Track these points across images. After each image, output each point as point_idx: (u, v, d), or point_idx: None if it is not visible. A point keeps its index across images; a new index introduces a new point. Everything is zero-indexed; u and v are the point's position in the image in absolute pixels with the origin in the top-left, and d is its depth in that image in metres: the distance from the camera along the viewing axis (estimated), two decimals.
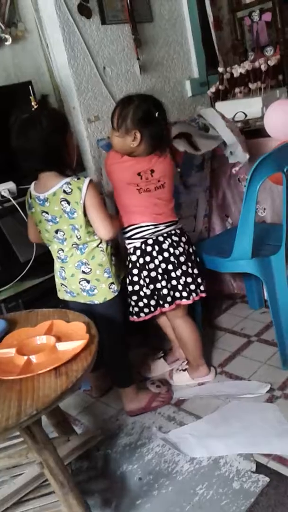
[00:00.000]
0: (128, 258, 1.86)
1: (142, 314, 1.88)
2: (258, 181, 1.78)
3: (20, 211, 1.85)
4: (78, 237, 1.68)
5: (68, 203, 1.63)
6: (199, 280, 1.91)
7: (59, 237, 1.71)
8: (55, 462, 1.27)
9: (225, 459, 1.61)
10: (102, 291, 1.75)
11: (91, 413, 2.00)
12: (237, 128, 2.25)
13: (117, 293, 1.78)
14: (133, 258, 1.85)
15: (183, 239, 1.89)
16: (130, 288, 1.86)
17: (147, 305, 1.87)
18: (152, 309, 1.87)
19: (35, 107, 1.62)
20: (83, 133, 2.41)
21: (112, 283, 1.76)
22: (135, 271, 1.85)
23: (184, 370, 2.05)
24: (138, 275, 1.85)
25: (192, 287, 1.88)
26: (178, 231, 1.87)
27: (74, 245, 1.71)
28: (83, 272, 1.73)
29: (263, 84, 2.64)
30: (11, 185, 1.93)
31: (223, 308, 2.58)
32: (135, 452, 1.73)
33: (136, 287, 1.85)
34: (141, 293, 1.85)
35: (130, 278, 1.86)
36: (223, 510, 1.43)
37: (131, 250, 1.85)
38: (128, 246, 1.86)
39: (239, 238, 1.89)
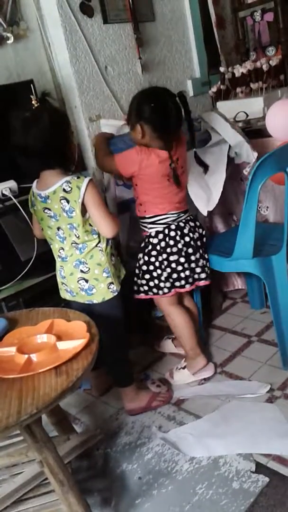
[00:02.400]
0: (147, 240, 1.94)
1: (150, 293, 1.97)
2: (260, 181, 1.78)
3: (21, 210, 1.85)
4: (77, 235, 1.68)
5: (68, 201, 1.63)
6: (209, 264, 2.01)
7: (60, 235, 1.71)
8: (55, 461, 1.27)
9: (224, 459, 1.61)
10: (101, 291, 1.75)
11: (91, 412, 2.00)
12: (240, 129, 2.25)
13: (116, 293, 1.78)
14: (154, 241, 1.92)
15: (198, 223, 2.00)
16: (144, 267, 1.95)
17: (157, 286, 1.95)
18: (166, 290, 1.94)
19: (36, 105, 1.61)
20: (84, 132, 2.40)
21: (111, 283, 1.76)
22: (153, 253, 1.92)
23: (183, 368, 2.05)
24: (156, 257, 1.92)
25: (207, 270, 1.99)
26: (192, 217, 1.98)
27: (73, 244, 1.71)
28: (82, 271, 1.73)
29: (264, 84, 2.64)
30: (12, 183, 1.92)
31: (224, 308, 2.58)
32: (135, 451, 1.74)
33: (151, 267, 1.93)
34: (154, 274, 1.93)
35: (146, 258, 1.94)
36: (223, 510, 1.44)
37: (153, 234, 1.93)
38: (150, 230, 1.93)
39: (240, 237, 1.89)
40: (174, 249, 1.91)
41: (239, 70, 2.69)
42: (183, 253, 1.91)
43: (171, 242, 1.90)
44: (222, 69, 2.80)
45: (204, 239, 2.01)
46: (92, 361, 1.23)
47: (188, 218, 1.96)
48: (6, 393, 1.15)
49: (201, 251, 1.97)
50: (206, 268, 1.99)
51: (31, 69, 2.30)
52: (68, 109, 2.42)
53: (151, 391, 1.96)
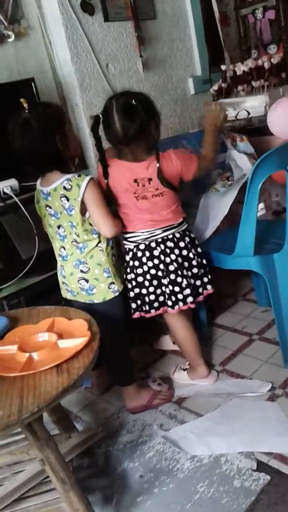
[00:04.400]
0: (124, 257, 1.87)
1: (134, 312, 1.89)
2: (260, 179, 1.78)
3: (23, 208, 1.85)
4: (77, 234, 1.68)
5: (67, 199, 1.63)
6: (187, 291, 1.83)
7: (60, 233, 1.71)
8: (56, 459, 1.27)
9: (226, 457, 1.61)
10: (101, 290, 1.75)
11: (92, 411, 2.01)
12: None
13: (117, 293, 1.77)
14: (127, 258, 1.85)
15: (181, 244, 1.83)
16: (126, 284, 1.88)
17: (132, 306, 1.88)
18: (132, 311, 1.88)
19: (27, 109, 1.56)
20: (85, 130, 2.40)
21: (112, 283, 1.75)
22: (128, 270, 1.86)
23: (184, 370, 2.05)
24: (130, 275, 1.85)
25: (180, 296, 1.83)
26: (177, 235, 1.82)
27: (74, 243, 1.71)
28: (82, 271, 1.73)
29: (266, 82, 2.63)
30: (13, 182, 1.92)
31: (225, 306, 2.58)
32: (136, 449, 1.74)
33: (128, 285, 1.86)
34: (130, 293, 1.86)
35: (124, 276, 1.87)
36: (224, 508, 1.44)
37: (126, 250, 1.86)
38: (125, 246, 1.87)
39: (241, 235, 1.88)
40: (139, 271, 1.82)
41: (241, 68, 2.68)
42: (148, 276, 1.81)
43: (136, 263, 1.82)
44: (223, 67, 2.79)
45: (194, 261, 1.86)
46: (93, 359, 1.23)
47: (168, 237, 1.80)
48: (8, 392, 1.15)
49: (171, 277, 1.81)
50: (179, 295, 1.83)
51: (32, 67, 2.29)
52: (69, 107, 2.42)
53: (152, 389, 1.96)
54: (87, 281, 1.74)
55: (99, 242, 1.72)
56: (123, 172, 1.73)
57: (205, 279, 1.92)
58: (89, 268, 1.72)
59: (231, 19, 3.14)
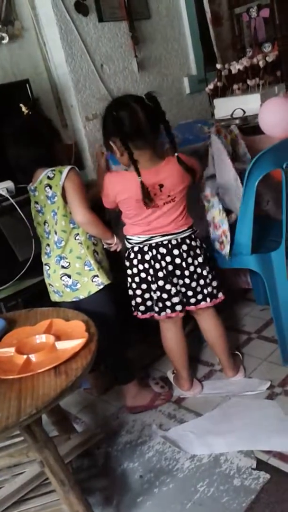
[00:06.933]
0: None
1: (133, 310, 1.90)
2: (256, 178, 1.78)
3: (19, 210, 1.85)
4: (56, 222, 1.70)
5: (50, 187, 1.68)
6: (175, 299, 1.78)
7: (46, 230, 1.75)
8: (56, 461, 1.27)
9: (225, 456, 1.61)
10: (85, 284, 1.75)
11: (92, 411, 2.00)
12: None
13: (102, 285, 1.75)
14: (125, 255, 1.86)
15: (175, 251, 1.76)
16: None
17: (132, 303, 1.89)
18: (132, 309, 1.88)
19: (26, 112, 1.68)
20: (81, 131, 2.40)
21: (96, 275, 1.74)
22: (124, 268, 1.86)
23: (173, 373, 2.04)
24: (125, 271, 1.85)
25: (168, 303, 1.79)
26: (173, 242, 1.76)
27: (53, 235, 1.73)
28: (63, 266, 1.74)
29: (261, 81, 2.63)
30: (9, 184, 1.92)
31: (223, 305, 2.57)
32: (135, 450, 1.74)
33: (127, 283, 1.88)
34: (130, 291, 1.88)
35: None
36: (224, 507, 1.44)
37: (126, 249, 1.85)
38: (126, 245, 1.85)
39: (238, 234, 1.88)
40: (129, 272, 1.83)
41: (236, 66, 2.68)
42: (136, 279, 1.81)
43: (127, 264, 1.83)
44: (218, 66, 2.79)
45: (179, 270, 1.78)
46: (91, 360, 1.23)
47: (163, 243, 1.75)
48: (6, 394, 1.15)
49: (159, 283, 1.77)
50: (167, 302, 1.78)
51: (26, 69, 2.29)
52: (64, 108, 2.42)
53: (153, 390, 1.95)
54: (69, 276, 1.74)
55: (77, 234, 1.72)
56: (135, 181, 1.64)
57: (204, 292, 1.82)
58: (69, 263, 1.73)
59: (225, 18, 3.14)
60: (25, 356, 1.25)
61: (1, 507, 1.36)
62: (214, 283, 1.85)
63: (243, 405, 1.82)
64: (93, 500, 1.55)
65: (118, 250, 1.82)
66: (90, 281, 1.75)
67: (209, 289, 1.84)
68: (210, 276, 1.84)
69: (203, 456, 1.63)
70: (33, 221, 1.81)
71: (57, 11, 2.27)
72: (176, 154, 1.68)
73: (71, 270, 1.74)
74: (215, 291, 1.86)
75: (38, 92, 2.29)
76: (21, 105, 1.67)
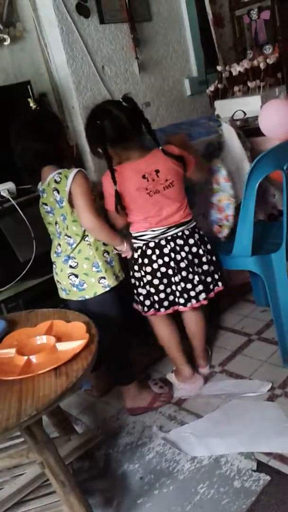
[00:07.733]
0: (133, 253, 1.87)
1: (139, 307, 1.91)
2: (257, 179, 1.78)
3: (20, 211, 1.85)
4: (67, 227, 1.71)
5: (58, 192, 1.67)
6: (199, 287, 1.83)
7: (57, 230, 1.75)
8: (56, 462, 1.27)
9: (226, 458, 1.61)
10: (92, 285, 1.75)
11: (92, 413, 2.00)
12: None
13: (108, 288, 1.76)
14: (135, 255, 1.85)
15: (191, 241, 1.83)
16: (132, 280, 1.89)
17: (142, 303, 1.88)
18: (146, 309, 1.87)
19: (34, 107, 1.65)
20: (82, 133, 2.40)
21: (103, 277, 1.75)
22: (136, 268, 1.86)
23: (172, 372, 2.05)
24: (138, 271, 1.86)
25: (192, 293, 1.83)
26: (186, 232, 1.82)
27: (66, 238, 1.73)
28: (71, 266, 1.74)
29: (262, 83, 2.64)
30: (10, 185, 1.93)
31: (224, 306, 2.58)
32: (136, 451, 1.74)
33: (133, 281, 1.89)
34: (139, 290, 1.87)
35: (131, 272, 1.89)
36: (224, 509, 1.43)
37: (135, 248, 1.86)
38: (134, 244, 1.86)
39: (239, 235, 1.89)
40: (148, 269, 1.81)
41: (236, 68, 2.69)
42: (158, 274, 1.81)
43: (146, 261, 1.82)
44: (219, 68, 2.80)
45: (204, 258, 1.86)
46: (91, 361, 1.23)
47: (178, 234, 1.80)
48: (6, 395, 1.15)
49: (183, 274, 1.81)
50: (190, 293, 1.83)
51: (28, 70, 2.30)
52: (65, 110, 2.42)
53: (153, 391, 1.96)
54: (76, 276, 1.74)
55: (87, 236, 1.73)
56: (130, 173, 1.73)
57: (216, 276, 1.91)
58: (77, 263, 1.73)
59: (226, 20, 3.15)
60: (25, 357, 1.25)
61: (2, 509, 1.36)
62: (218, 269, 1.95)
63: (243, 406, 1.82)
64: (93, 501, 1.55)
65: (128, 257, 1.84)
66: (96, 282, 1.75)
67: (219, 273, 1.93)
68: (216, 261, 1.93)
69: (203, 458, 1.63)
70: (43, 220, 1.80)
71: (58, 13, 2.27)
72: (160, 147, 1.74)
73: (79, 270, 1.74)
74: (221, 275, 1.94)
75: (40, 93, 2.29)
76: (29, 99, 1.67)
